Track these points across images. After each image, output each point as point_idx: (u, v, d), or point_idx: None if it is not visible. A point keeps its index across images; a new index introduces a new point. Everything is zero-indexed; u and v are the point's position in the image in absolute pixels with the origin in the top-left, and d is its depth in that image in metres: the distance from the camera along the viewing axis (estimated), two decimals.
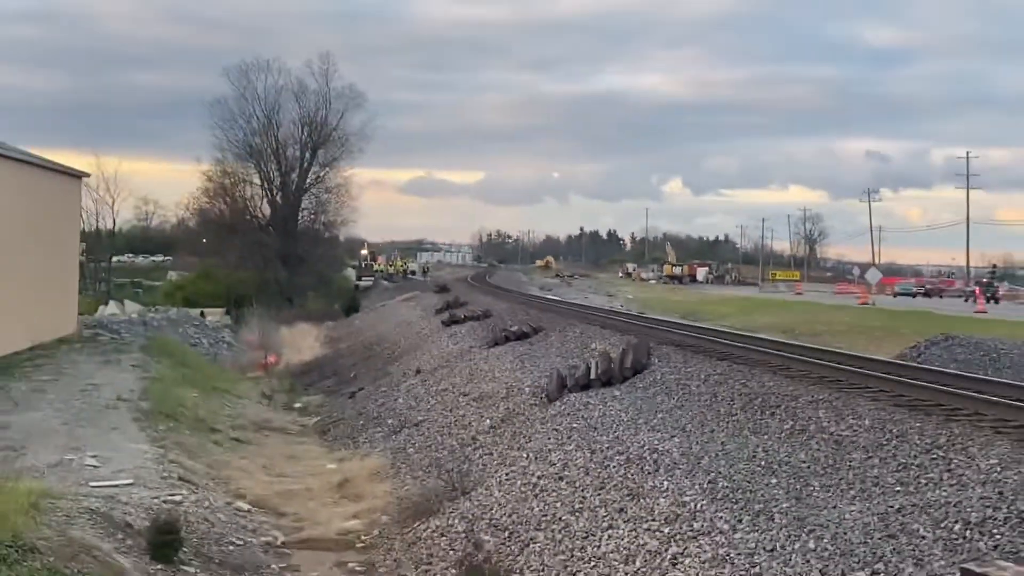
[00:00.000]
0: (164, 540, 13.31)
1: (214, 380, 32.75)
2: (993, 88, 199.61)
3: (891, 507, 10.70)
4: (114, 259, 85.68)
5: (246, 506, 17.38)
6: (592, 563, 11.44)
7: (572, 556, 11.91)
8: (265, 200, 78.79)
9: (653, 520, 11.70)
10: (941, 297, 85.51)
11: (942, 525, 9.99)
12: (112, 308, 56.06)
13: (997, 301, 64.39)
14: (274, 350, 44.38)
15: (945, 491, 11.01)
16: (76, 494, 14.40)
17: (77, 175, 42.35)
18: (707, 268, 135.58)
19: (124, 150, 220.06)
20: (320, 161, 78.80)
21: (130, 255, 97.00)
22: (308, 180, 78.71)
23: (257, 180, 78.11)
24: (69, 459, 17.04)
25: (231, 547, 14.87)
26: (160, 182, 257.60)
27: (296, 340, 48.85)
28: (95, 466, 16.83)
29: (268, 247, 73.64)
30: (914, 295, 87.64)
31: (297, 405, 31.31)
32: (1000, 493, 10.55)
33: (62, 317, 37.20)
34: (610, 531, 12.04)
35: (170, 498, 15.78)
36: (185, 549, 13.65)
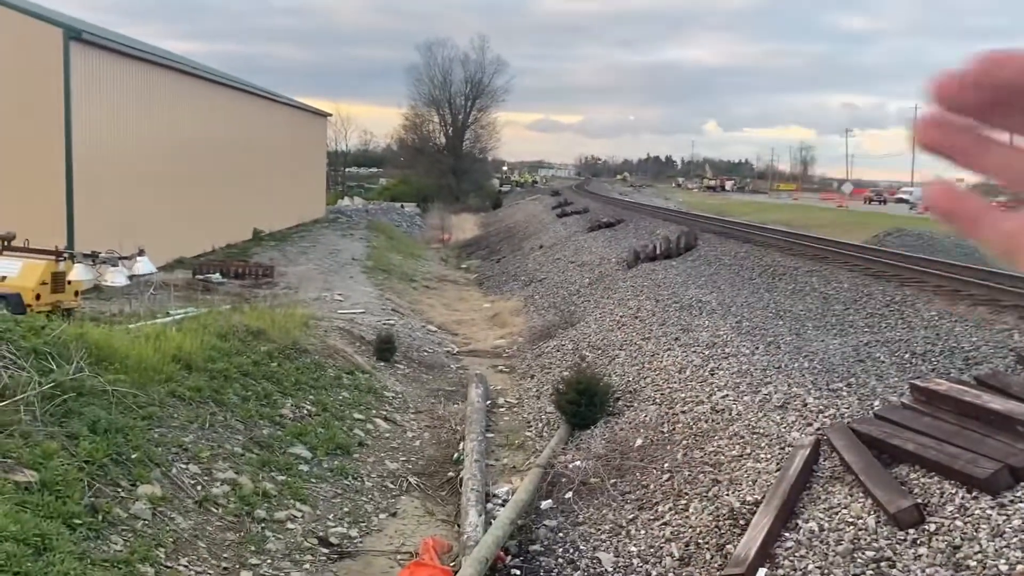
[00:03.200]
0: (384, 347, 13.84)
1: (411, 248, 33.40)
2: (931, 58, 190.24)
3: (861, 341, 10.58)
4: (347, 170, 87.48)
5: (434, 328, 17.88)
6: (657, 372, 11.57)
7: (643, 367, 12.06)
8: (442, 133, 79.80)
9: (698, 346, 11.75)
10: (884, 203, 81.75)
11: (896, 354, 9.85)
12: (346, 201, 57.19)
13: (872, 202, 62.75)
14: (448, 230, 44.91)
15: (899, 332, 10.83)
16: (330, 317, 14.99)
17: (323, 115, 42.92)
18: (733, 181, 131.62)
19: (353, 99, 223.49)
20: (477, 107, 79.20)
21: (356, 167, 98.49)
22: (469, 120, 79.33)
23: (436, 119, 79.17)
24: (324, 295, 17.69)
25: (425, 353, 15.37)
26: (375, 120, 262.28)
27: (462, 224, 49.27)
28: (340, 300, 17.45)
29: (443, 163, 74.53)
30: (882, 201, 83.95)
31: (464, 266, 31.78)
32: (937, 334, 10.36)
33: (315, 205, 38.18)
34: (668, 352, 12.12)
35: (387, 321, 16.32)
36: (397, 354, 14.18)
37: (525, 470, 9.71)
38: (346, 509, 8.39)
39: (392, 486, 9.29)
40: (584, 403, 10.68)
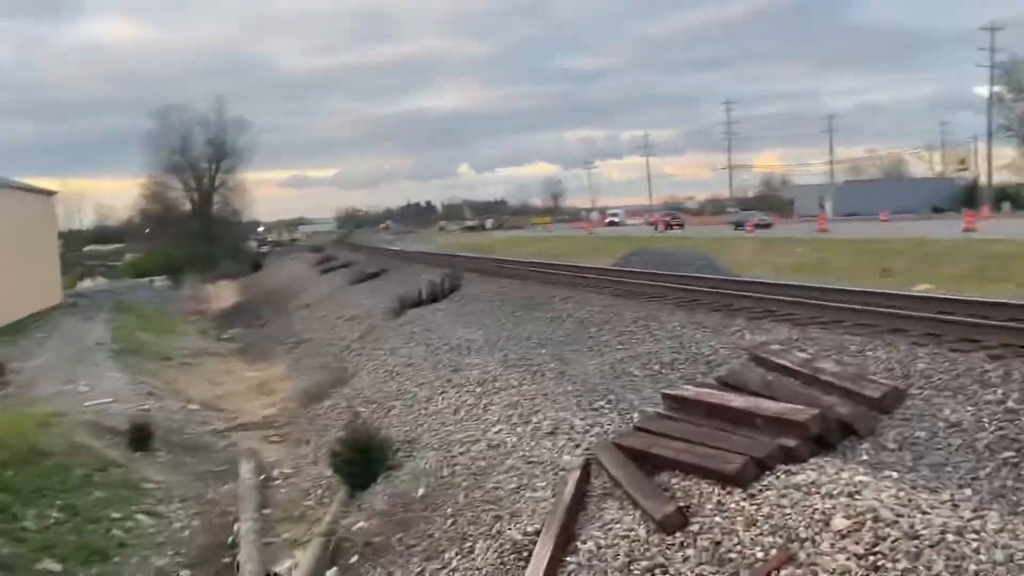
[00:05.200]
0: (140, 436, 12.78)
1: (164, 325, 31.30)
2: (656, 91, 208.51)
3: (616, 359, 11.10)
4: (86, 248, 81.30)
5: (196, 407, 16.77)
6: (433, 416, 11.52)
7: (420, 413, 11.97)
8: (186, 199, 76.45)
9: (470, 384, 11.83)
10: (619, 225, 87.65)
11: (648, 367, 10.43)
12: (88, 282, 52.90)
13: (682, 227, 65.15)
14: (204, 301, 42.67)
15: (648, 345, 11.47)
16: (74, 412, 13.66)
17: (48, 193, 39.55)
18: (492, 220, 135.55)
19: (87, 174, 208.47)
20: (223, 169, 76.64)
21: (96, 245, 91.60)
22: (216, 183, 76.58)
23: (179, 186, 75.80)
24: (67, 389, 16.10)
25: (187, 435, 14.36)
26: (113, 193, 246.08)
27: (220, 292, 46.99)
28: (86, 391, 15.94)
29: (192, 231, 71.31)
30: (618, 224, 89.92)
31: (224, 336, 30.18)
32: (681, 343, 11.08)
33: (50, 291, 34.92)
34: (443, 394, 12.12)
35: (141, 407, 15.11)
36: (155, 441, 13.14)
37: (307, 542, 9.28)
38: None
39: None
40: (362, 461, 10.40)
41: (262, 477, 11.91)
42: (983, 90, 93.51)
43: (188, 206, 76.16)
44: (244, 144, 76.89)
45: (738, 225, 55.77)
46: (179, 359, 23.00)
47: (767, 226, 54.58)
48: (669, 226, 65.07)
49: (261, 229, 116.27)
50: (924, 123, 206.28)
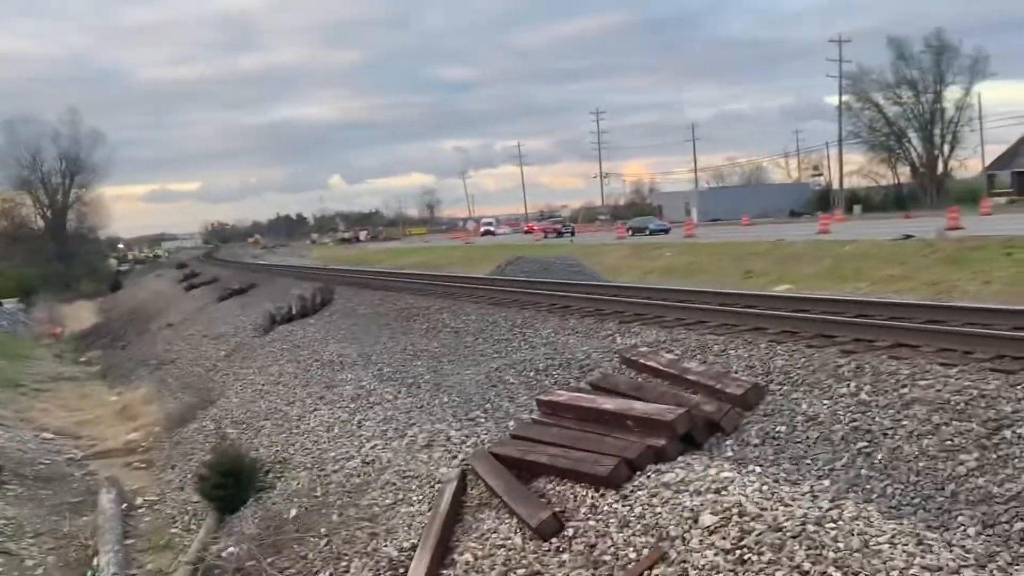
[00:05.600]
0: None
1: (15, 349, 29.36)
2: (527, 101, 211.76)
3: (492, 368, 11.10)
4: None
5: (51, 435, 15.74)
6: (305, 435, 11.20)
7: (291, 432, 11.62)
8: (39, 216, 72.24)
9: (343, 401, 11.59)
10: (494, 235, 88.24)
11: (523, 374, 10.48)
12: None
13: (561, 235, 64.87)
14: (60, 322, 40.25)
15: (524, 353, 11.53)
16: None
17: None
18: (367, 231, 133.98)
19: None
20: (77, 184, 72.91)
21: None
22: (70, 199, 72.70)
23: (30, 202, 71.55)
24: None
25: (41, 466, 13.44)
26: None
27: (77, 313, 44.52)
28: None
29: (45, 249, 67.43)
30: (494, 234, 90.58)
31: (82, 360, 28.57)
32: (555, 349, 11.18)
33: None
34: (315, 412, 11.81)
35: None
36: (5, 474, 12.24)
37: (174, 572, 8.82)
38: None
39: None
40: (231, 484, 9.98)
41: (124, 506, 11.26)
42: (833, 99, 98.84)
43: (41, 223, 72.15)
44: (100, 158, 73.95)
45: (636, 230, 55.93)
46: (32, 385, 21.60)
47: (665, 231, 54.73)
48: (560, 233, 65.20)
49: (121, 246, 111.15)
50: (780, 131, 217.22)
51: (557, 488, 6.54)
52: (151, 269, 74.29)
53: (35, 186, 71.12)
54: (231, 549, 8.68)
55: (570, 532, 5.96)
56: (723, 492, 5.53)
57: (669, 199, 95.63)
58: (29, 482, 12.51)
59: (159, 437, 14.93)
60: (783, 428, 7.00)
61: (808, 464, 6.36)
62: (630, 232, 55.29)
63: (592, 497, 6.18)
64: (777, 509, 5.17)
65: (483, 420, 8.82)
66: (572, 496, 6.34)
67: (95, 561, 9.20)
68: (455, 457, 8.05)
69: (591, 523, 5.93)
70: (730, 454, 6.70)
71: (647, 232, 54.46)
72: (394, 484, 8.23)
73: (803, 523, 4.95)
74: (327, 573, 7.39)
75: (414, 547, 6.83)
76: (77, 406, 19.08)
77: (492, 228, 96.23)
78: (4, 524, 10.57)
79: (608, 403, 7.42)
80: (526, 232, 75.66)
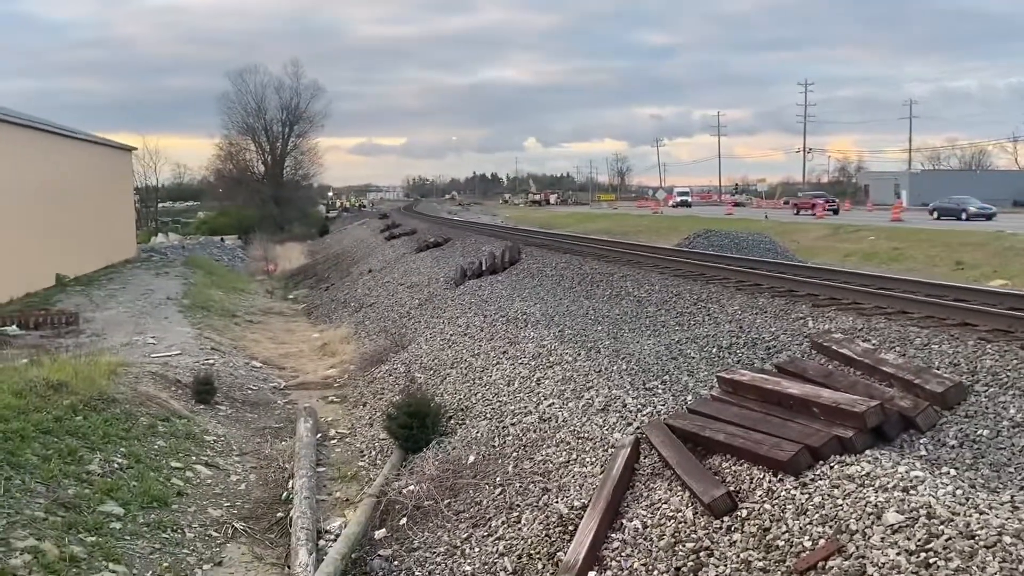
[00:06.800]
0: (203, 389, 13.12)
1: (233, 282, 32.06)
2: (728, 70, 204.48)
3: (673, 340, 10.98)
4: (160, 204, 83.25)
5: (259, 364, 17.17)
6: (487, 386, 11.58)
7: (474, 383, 12.04)
8: (259, 161, 77.61)
9: (525, 357, 11.85)
10: (689, 207, 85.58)
11: (705, 349, 10.30)
12: (161, 238, 54.23)
13: (836, 212, 58.89)
14: (273, 261, 43.56)
15: (707, 328, 11.33)
16: (142, 363, 14.09)
17: (127, 149, 40.70)
18: (556, 195, 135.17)
19: (163, 131, 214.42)
20: (295, 134, 77.58)
21: (170, 202, 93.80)
22: (288, 147, 77.56)
23: (253, 148, 76.92)
24: (136, 340, 16.61)
25: (249, 391, 14.71)
26: (188, 152, 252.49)
27: (287, 254, 47.86)
28: (154, 343, 16.43)
29: (263, 192, 72.45)
30: (689, 204, 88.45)
31: (290, 297, 30.83)
32: (740, 327, 10.91)
33: (125, 245, 36.04)
34: (497, 366, 12.16)
35: (206, 361, 15.50)
36: (218, 395, 13.49)
37: (359, 501, 9.44)
38: (165, 564, 7.84)
39: (216, 534, 8.78)
40: (416, 426, 10.53)
41: (319, 436, 12.13)
42: None
43: (261, 168, 77.36)
44: (317, 109, 77.72)
45: (943, 213, 46.84)
46: (245, 317, 23.53)
47: (988, 217, 44.73)
48: (835, 211, 55.65)
49: (331, 194, 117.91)
50: (1010, 113, 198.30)
51: (733, 467, 6.44)
52: (356, 217, 78.38)
53: (258, 133, 76.11)
54: (412, 487, 9.17)
55: (743, 513, 5.86)
56: (911, 491, 5.24)
57: (877, 180, 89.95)
58: (238, 405, 13.72)
59: (354, 375, 15.90)
60: (985, 432, 6.51)
61: (1011, 472, 5.90)
62: (935, 215, 46.86)
63: (769, 481, 6.04)
64: (971, 516, 4.85)
65: (660, 391, 8.77)
66: (748, 477, 6.21)
67: (290, 484, 9.99)
68: (630, 424, 8.08)
69: (766, 507, 5.80)
70: (923, 453, 6.32)
71: (963, 216, 44.56)
72: (568, 443, 8.38)
73: (1000, 533, 4.62)
74: (499, 520, 7.66)
75: (584, 507, 6.95)
76: (283, 339, 20.64)
77: (687, 198, 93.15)
78: (214, 440, 11.68)
79: (794, 387, 7.17)
80: (795, 207, 60.91)
